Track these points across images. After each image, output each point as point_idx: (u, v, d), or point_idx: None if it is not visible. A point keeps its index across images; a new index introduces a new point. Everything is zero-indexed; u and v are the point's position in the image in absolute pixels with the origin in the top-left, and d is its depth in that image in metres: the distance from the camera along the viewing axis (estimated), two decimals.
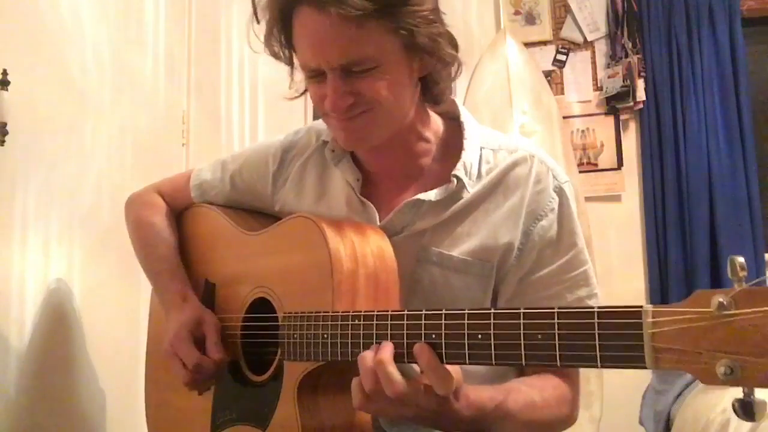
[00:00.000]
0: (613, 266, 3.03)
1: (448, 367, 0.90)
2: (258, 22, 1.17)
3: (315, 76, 1.11)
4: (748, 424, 1.82)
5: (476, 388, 0.98)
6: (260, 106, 2.93)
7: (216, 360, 1.20)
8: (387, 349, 0.92)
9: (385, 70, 1.09)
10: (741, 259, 0.61)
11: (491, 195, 1.19)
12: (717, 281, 2.91)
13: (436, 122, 1.27)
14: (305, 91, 1.24)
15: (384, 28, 1.06)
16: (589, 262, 1.20)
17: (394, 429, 1.18)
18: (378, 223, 1.20)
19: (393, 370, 0.90)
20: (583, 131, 3.19)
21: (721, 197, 2.97)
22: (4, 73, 1.54)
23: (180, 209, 1.50)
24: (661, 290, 3.00)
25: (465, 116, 1.25)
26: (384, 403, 0.92)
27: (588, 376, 2.62)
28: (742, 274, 0.60)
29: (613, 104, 3.14)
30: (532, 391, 1.08)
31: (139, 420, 1.51)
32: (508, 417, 1.01)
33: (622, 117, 3.17)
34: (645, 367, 0.68)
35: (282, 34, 1.15)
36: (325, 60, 1.07)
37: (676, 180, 3.03)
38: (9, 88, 1.55)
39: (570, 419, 1.16)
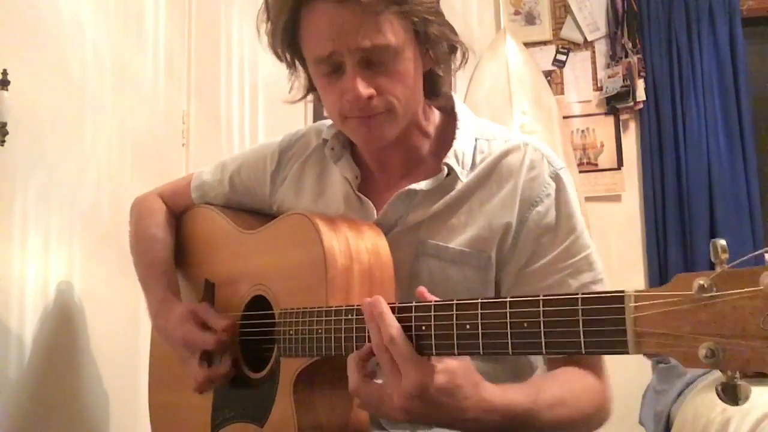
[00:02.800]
0: (613, 266, 3.02)
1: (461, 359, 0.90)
2: (268, 21, 1.15)
3: (332, 71, 1.10)
4: (747, 424, 1.82)
5: (502, 389, 0.95)
6: (260, 107, 2.93)
7: (224, 328, 1.20)
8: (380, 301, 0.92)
9: (402, 62, 1.09)
10: (722, 242, 0.60)
11: (485, 183, 1.18)
12: None
13: (435, 117, 1.27)
14: (305, 95, 1.24)
15: (400, 17, 1.07)
16: (592, 247, 1.17)
17: (394, 427, 1.18)
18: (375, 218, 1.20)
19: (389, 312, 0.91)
20: (583, 131, 3.19)
21: (721, 197, 2.97)
22: (4, 73, 1.54)
23: (181, 211, 1.51)
24: None
25: (459, 107, 1.24)
26: (387, 377, 0.90)
27: None
28: (724, 256, 0.60)
29: (613, 104, 3.14)
30: (561, 387, 1.05)
31: (140, 418, 1.51)
32: (540, 417, 0.98)
33: (622, 117, 3.17)
34: (627, 352, 0.68)
35: (287, 34, 1.14)
36: (346, 45, 1.06)
37: (676, 180, 3.03)
38: (9, 88, 1.55)
39: (604, 411, 1.11)
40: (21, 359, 1.59)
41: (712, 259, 0.61)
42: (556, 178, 1.18)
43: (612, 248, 3.06)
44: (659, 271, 3.01)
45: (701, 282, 0.60)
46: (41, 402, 1.64)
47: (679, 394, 2.40)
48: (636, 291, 0.67)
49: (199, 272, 1.40)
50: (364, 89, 1.07)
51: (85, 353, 1.83)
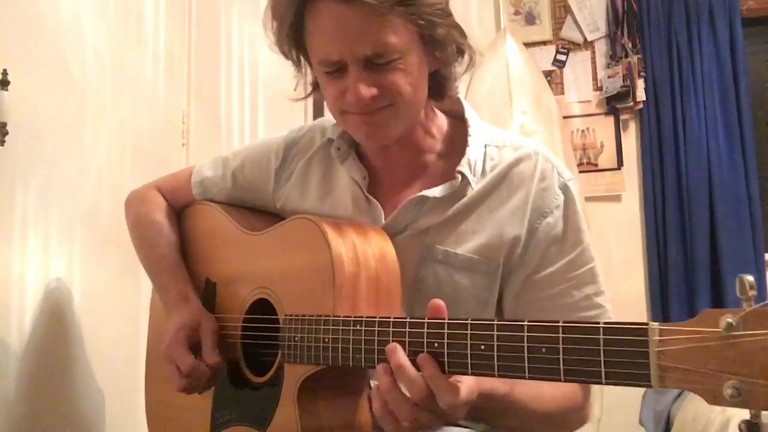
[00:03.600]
0: (613, 266, 3.02)
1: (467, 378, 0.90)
2: (273, 21, 1.14)
3: (334, 71, 1.10)
4: None
5: (480, 378, 0.95)
6: (260, 106, 2.92)
7: (211, 365, 1.18)
8: (399, 352, 0.91)
9: (406, 62, 1.08)
10: (750, 278, 0.59)
11: (495, 191, 1.18)
12: (716, 282, 2.91)
13: (441, 119, 1.27)
14: (310, 93, 1.23)
15: (406, 18, 1.06)
16: (595, 260, 1.19)
17: None
18: (383, 221, 1.19)
19: (412, 371, 0.90)
20: (583, 131, 3.18)
21: (721, 197, 2.96)
22: (4, 73, 1.54)
23: (181, 206, 1.49)
24: (661, 290, 2.99)
25: (469, 113, 1.24)
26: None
27: None
28: (752, 293, 0.59)
29: (613, 104, 3.13)
30: (540, 382, 1.06)
31: (138, 419, 1.51)
32: (515, 407, 1.00)
33: (622, 117, 3.16)
34: (650, 386, 0.67)
35: (293, 32, 1.13)
36: (350, 51, 1.06)
37: (676, 180, 3.02)
38: (9, 88, 1.55)
39: (583, 412, 1.15)
40: (20, 359, 1.59)
41: (739, 295, 0.60)
42: (565, 189, 1.19)
43: (612, 248, 3.06)
44: (659, 272, 3.01)
45: (729, 320, 0.59)
46: (40, 401, 1.65)
47: (679, 394, 2.41)
48: (661, 324, 0.67)
49: (199, 270, 1.39)
50: (366, 91, 1.07)
51: (84, 352, 1.83)
